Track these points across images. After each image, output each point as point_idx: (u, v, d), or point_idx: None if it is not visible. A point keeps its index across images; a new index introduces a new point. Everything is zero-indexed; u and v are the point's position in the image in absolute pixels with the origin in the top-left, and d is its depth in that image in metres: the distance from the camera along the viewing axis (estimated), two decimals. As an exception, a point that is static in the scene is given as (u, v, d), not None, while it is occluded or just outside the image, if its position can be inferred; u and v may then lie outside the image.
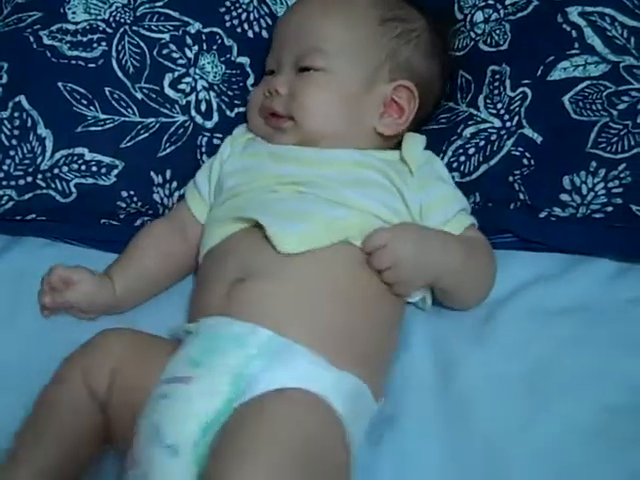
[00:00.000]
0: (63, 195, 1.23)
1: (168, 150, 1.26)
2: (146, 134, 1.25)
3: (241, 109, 1.29)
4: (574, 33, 1.22)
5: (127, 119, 1.24)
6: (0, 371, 1.10)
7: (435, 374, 1.10)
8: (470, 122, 1.26)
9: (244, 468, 0.83)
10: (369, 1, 1.22)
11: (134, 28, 1.28)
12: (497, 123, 1.24)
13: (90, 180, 1.23)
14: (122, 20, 1.28)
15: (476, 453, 1.02)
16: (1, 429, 1.01)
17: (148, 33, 1.28)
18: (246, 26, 1.33)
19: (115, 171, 1.23)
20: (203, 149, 1.27)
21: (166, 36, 1.28)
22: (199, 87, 1.28)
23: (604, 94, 1.20)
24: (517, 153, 1.22)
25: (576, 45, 1.22)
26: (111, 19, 1.28)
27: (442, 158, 1.25)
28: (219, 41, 1.31)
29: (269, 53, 1.25)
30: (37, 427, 0.98)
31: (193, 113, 1.27)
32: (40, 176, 1.22)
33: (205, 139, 1.28)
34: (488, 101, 1.25)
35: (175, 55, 1.28)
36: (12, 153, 1.22)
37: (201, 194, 1.21)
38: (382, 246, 1.05)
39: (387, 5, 1.22)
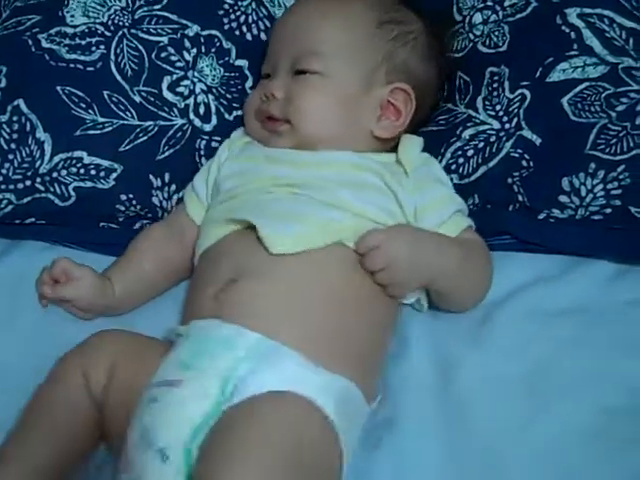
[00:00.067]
0: (62, 199, 1.23)
1: (167, 153, 1.26)
2: (145, 137, 1.25)
3: (239, 112, 1.29)
4: (573, 35, 1.22)
5: (126, 122, 1.24)
6: (-1, 372, 1.11)
7: (434, 376, 1.10)
8: (469, 124, 1.26)
9: (234, 470, 0.83)
10: (366, 4, 1.22)
11: (132, 31, 1.28)
12: (496, 125, 1.24)
13: (89, 183, 1.23)
14: (120, 23, 1.29)
15: (475, 455, 1.02)
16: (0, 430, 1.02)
17: (146, 36, 1.28)
18: (244, 29, 1.33)
19: (114, 174, 1.24)
20: (202, 152, 1.27)
21: (164, 39, 1.28)
22: (197, 90, 1.28)
23: (603, 95, 1.20)
24: (516, 155, 1.22)
25: (575, 46, 1.22)
26: (109, 22, 1.28)
27: (441, 160, 1.25)
28: (217, 44, 1.31)
29: (265, 57, 1.25)
30: (32, 425, 0.99)
31: (192, 116, 1.27)
32: (39, 180, 1.23)
33: (204, 142, 1.28)
34: (487, 103, 1.25)
35: (173, 58, 1.28)
36: (11, 157, 1.23)
37: (199, 197, 1.21)
38: (375, 247, 1.05)
39: (384, 8, 1.22)
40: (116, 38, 1.27)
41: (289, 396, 0.92)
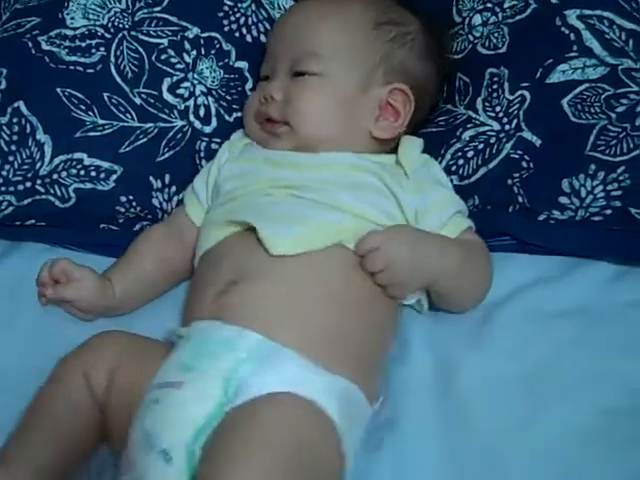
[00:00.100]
0: (62, 200, 1.23)
1: (167, 155, 1.26)
2: (145, 139, 1.25)
3: (239, 114, 1.29)
4: (572, 36, 1.22)
5: (126, 124, 1.25)
6: (-1, 375, 1.11)
7: (434, 377, 1.10)
8: (469, 125, 1.26)
9: (236, 472, 0.83)
10: (363, 5, 1.22)
11: (132, 33, 1.28)
12: (496, 126, 1.24)
13: (89, 185, 1.23)
14: (120, 25, 1.29)
15: (475, 455, 1.02)
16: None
17: (146, 38, 1.28)
18: (244, 31, 1.33)
19: (114, 176, 1.24)
20: (202, 154, 1.27)
21: (164, 41, 1.29)
22: (197, 92, 1.28)
23: (603, 97, 1.20)
24: (516, 156, 1.22)
25: (574, 48, 1.22)
26: (109, 24, 1.29)
27: (441, 161, 1.25)
28: (217, 46, 1.31)
29: (264, 59, 1.26)
30: (33, 426, 0.99)
31: (192, 118, 1.27)
32: (39, 181, 1.23)
33: (204, 144, 1.28)
34: (487, 104, 1.25)
35: (173, 60, 1.28)
36: (11, 159, 1.23)
37: (199, 199, 1.21)
38: (375, 248, 1.05)
39: (381, 8, 1.22)
40: (116, 40, 1.28)
41: (290, 398, 0.92)
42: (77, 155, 1.23)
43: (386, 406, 1.06)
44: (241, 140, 1.24)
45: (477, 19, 1.31)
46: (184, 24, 1.30)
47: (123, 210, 1.25)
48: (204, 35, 1.30)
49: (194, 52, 1.29)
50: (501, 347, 1.12)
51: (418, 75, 1.22)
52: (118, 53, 1.27)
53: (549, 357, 1.10)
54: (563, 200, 1.19)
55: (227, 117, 1.29)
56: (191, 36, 1.30)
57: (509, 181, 1.22)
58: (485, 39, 1.29)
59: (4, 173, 1.22)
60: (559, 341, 1.12)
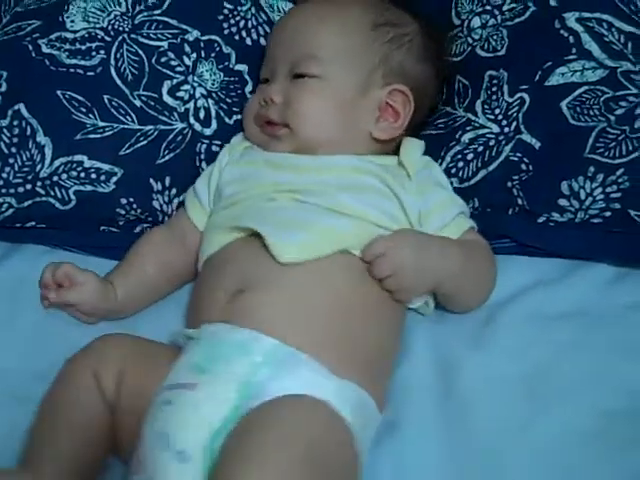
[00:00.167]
0: (62, 202, 1.23)
1: (167, 157, 1.26)
2: (145, 141, 1.25)
3: (239, 116, 1.29)
4: (571, 39, 1.22)
5: (126, 127, 1.25)
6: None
7: (435, 377, 1.10)
8: (468, 128, 1.26)
9: (252, 473, 0.83)
10: (362, 7, 1.22)
11: (132, 36, 1.28)
12: (495, 129, 1.24)
13: (89, 187, 1.23)
14: (120, 28, 1.29)
15: (475, 455, 1.02)
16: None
17: (146, 41, 1.28)
18: (244, 34, 1.33)
19: (114, 178, 1.24)
20: (202, 156, 1.27)
21: (164, 44, 1.29)
22: (198, 94, 1.28)
23: (601, 99, 1.20)
24: (515, 158, 1.22)
25: (573, 51, 1.22)
26: (110, 27, 1.29)
27: (440, 164, 1.25)
28: (217, 49, 1.31)
29: (263, 62, 1.26)
30: (52, 428, 0.98)
31: (192, 120, 1.27)
32: (39, 183, 1.23)
33: (204, 146, 1.28)
34: (486, 106, 1.26)
35: (173, 63, 1.28)
36: (11, 161, 1.23)
37: (201, 202, 1.21)
38: (381, 254, 1.05)
39: (379, 10, 1.22)
40: (116, 43, 1.28)
41: (307, 399, 0.93)
42: (77, 157, 1.23)
43: (387, 406, 1.06)
44: (241, 143, 1.24)
45: (476, 22, 1.31)
46: (184, 27, 1.30)
47: (123, 212, 1.25)
48: (204, 38, 1.31)
49: (194, 55, 1.29)
50: (501, 349, 1.12)
51: (417, 76, 1.22)
52: (118, 56, 1.27)
53: (549, 359, 1.10)
54: (562, 202, 1.19)
55: (227, 120, 1.29)
56: (191, 39, 1.30)
57: (509, 184, 1.22)
58: (484, 42, 1.29)
59: (4, 175, 1.22)
60: (559, 343, 1.12)
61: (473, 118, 1.26)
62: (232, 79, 1.31)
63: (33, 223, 1.25)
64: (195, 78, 1.29)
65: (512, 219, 1.22)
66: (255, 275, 1.04)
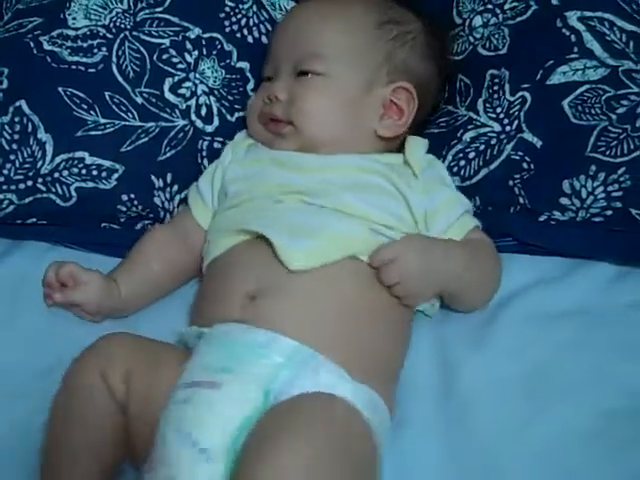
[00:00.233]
0: (63, 199, 1.23)
1: (168, 154, 1.26)
2: (146, 138, 1.25)
3: (241, 113, 1.29)
4: (573, 38, 1.23)
5: (127, 123, 1.25)
6: (0, 373, 1.10)
7: (435, 377, 1.10)
8: (470, 126, 1.26)
9: (281, 458, 0.83)
10: (365, 5, 1.22)
11: (134, 33, 1.28)
12: (497, 127, 1.24)
13: (90, 184, 1.23)
14: (122, 26, 1.29)
15: (476, 455, 1.02)
16: (0, 430, 1.02)
17: (148, 38, 1.29)
18: (246, 31, 1.33)
19: (115, 175, 1.24)
20: (204, 153, 1.27)
21: (166, 41, 1.29)
22: (199, 92, 1.28)
23: (603, 98, 1.20)
24: (517, 157, 1.22)
25: (575, 49, 1.22)
26: (111, 25, 1.29)
27: (442, 162, 1.24)
28: (219, 46, 1.31)
29: (266, 60, 1.25)
30: (69, 437, 0.96)
31: (193, 117, 1.27)
32: (40, 180, 1.23)
33: (206, 143, 1.28)
34: (487, 105, 1.26)
35: (175, 60, 1.28)
36: (12, 157, 1.23)
37: (204, 201, 1.21)
38: (389, 260, 1.05)
39: (383, 8, 1.22)
40: (118, 40, 1.28)
41: (324, 395, 0.93)
42: (78, 154, 1.23)
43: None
44: (244, 141, 1.24)
45: (478, 20, 1.31)
46: (185, 24, 1.30)
47: (124, 209, 1.25)
48: (205, 36, 1.31)
49: (196, 52, 1.29)
50: (502, 348, 1.12)
51: (420, 74, 1.22)
52: (120, 53, 1.27)
53: (550, 358, 1.10)
54: (564, 201, 1.19)
55: (229, 117, 1.29)
56: (193, 36, 1.30)
57: (510, 182, 1.22)
58: (486, 40, 1.29)
59: (5, 172, 1.22)
60: (560, 342, 1.12)
61: (475, 117, 1.26)
62: (234, 76, 1.31)
63: (34, 220, 1.25)
64: (197, 75, 1.29)
65: (513, 218, 1.22)
66: (265, 281, 1.04)
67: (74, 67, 1.26)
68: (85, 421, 0.96)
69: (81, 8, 1.30)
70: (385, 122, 1.19)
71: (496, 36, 1.29)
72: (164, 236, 1.21)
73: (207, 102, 1.28)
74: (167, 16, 1.30)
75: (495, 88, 1.26)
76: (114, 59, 1.27)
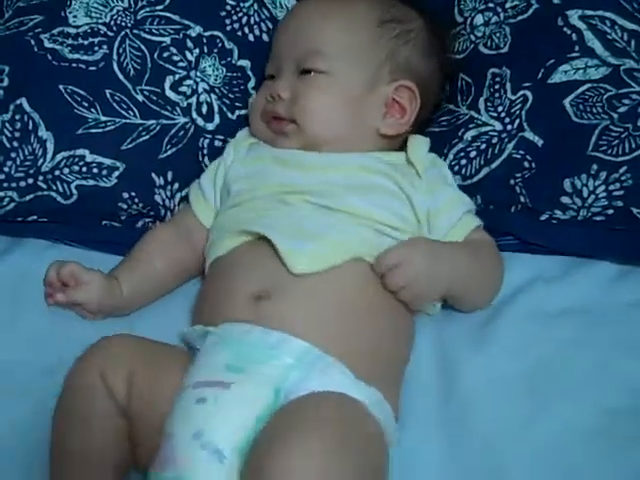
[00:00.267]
0: (64, 197, 1.23)
1: (169, 152, 1.26)
2: (147, 136, 1.25)
3: (242, 112, 1.29)
4: (574, 36, 1.23)
5: (128, 121, 1.24)
6: (1, 373, 1.09)
7: (436, 376, 1.10)
8: (471, 125, 1.26)
9: (293, 451, 0.84)
10: (367, 3, 1.22)
11: (135, 31, 1.28)
12: (498, 126, 1.24)
13: (91, 182, 1.23)
14: (123, 24, 1.29)
15: (477, 454, 1.02)
16: (1, 430, 1.02)
17: (149, 36, 1.29)
18: (247, 30, 1.33)
19: (116, 173, 1.23)
20: (205, 151, 1.27)
21: (167, 39, 1.29)
22: (200, 89, 1.28)
23: (605, 97, 1.20)
24: (518, 156, 1.22)
25: (576, 48, 1.22)
26: (112, 22, 1.29)
27: (443, 161, 1.24)
28: (220, 44, 1.31)
29: (268, 58, 1.25)
30: (71, 438, 0.96)
31: (194, 115, 1.27)
32: (41, 178, 1.22)
33: (207, 141, 1.28)
34: (489, 104, 1.26)
35: (176, 58, 1.28)
36: (13, 155, 1.23)
37: (206, 199, 1.21)
38: (394, 265, 1.05)
39: (385, 6, 1.22)
40: (118, 38, 1.28)
41: (334, 394, 0.93)
42: (79, 152, 1.23)
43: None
44: (247, 139, 1.24)
45: (479, 19, 1.31)
46: (186, 22, 1.30)
47: (125, 207, 1.25)
48: (206, 34, 1.31)
49: (196, 50, 1.29)
50: (504, 347, 1.12)
51: (422, 72, 1.22)
52: (120, 51, 1.27)
53: (551, 357, 1.10)
54: (565, 200, 1.19)
55: (230, 115, 1.29)
56: (193, 34, 1.30)
57: (511, 181, 1.22)
58: (487, 39, 1.29)
59: (6, 169, 1.22)
60: (561, 341, 1.12)
61: (476, 116, 1.26)
62: (235, 75, 1.31)
63: (35, 217, 1.25)
64: (198, 73, 1.29)
65: (515, 217, 1.22)
66: (269, 283, 1.03)
67: (75, 65, 1.26)
68: (86, 422, 0.96)
69: (82, 6, 1.30)
70: (388, 120, 1.19)
71: (497, 35, 1.29)
72: (167, 234, 1.20)
73: (208, 100, 1.28)
74: (168, 14, 1.30)
75: (496, 87, 1.26)
76: (115, 57, 1.27)
